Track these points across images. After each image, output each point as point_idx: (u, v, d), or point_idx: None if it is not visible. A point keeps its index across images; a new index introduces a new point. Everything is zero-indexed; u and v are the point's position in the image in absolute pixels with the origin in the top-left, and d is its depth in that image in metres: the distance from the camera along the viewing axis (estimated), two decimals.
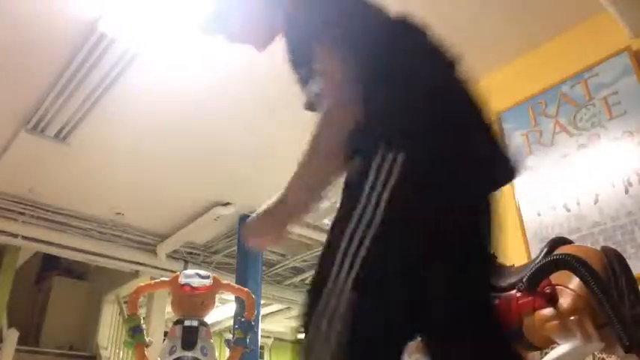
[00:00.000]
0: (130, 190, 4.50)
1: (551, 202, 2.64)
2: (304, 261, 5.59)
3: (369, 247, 0.83)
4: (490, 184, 1.12)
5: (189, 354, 1.10)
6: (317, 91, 1.01)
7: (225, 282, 1.61)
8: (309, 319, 0.87)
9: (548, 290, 1.57)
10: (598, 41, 2.73)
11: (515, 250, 2.60)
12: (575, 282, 1.51)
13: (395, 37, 1.13)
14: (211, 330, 5.65)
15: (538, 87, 2.89)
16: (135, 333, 1.16)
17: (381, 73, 1.00)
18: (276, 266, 6.10)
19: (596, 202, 2.48)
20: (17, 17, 2.79)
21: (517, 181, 2.81)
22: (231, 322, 5.42)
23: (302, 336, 0.87)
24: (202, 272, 1.21)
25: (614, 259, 1.55)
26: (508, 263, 1.88)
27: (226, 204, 4.67)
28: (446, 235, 0.92)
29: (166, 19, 2.78)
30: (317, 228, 4.98)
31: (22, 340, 5.43)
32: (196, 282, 1.18)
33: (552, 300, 1.54)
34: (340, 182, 0.97)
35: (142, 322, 1.18)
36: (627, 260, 1.59)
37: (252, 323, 1.21)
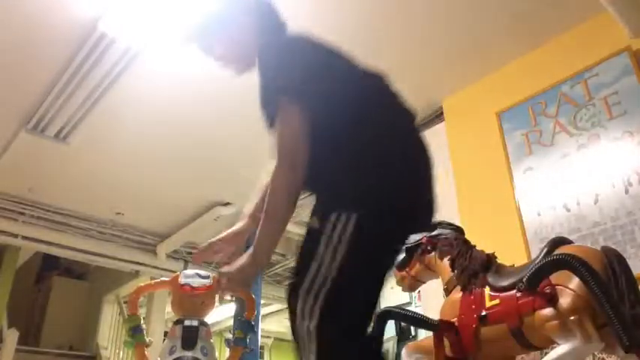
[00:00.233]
0: (130, 190, 4.50)
1: (551, 202, 2.64)
2: None
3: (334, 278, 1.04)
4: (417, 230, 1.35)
5: (189, 354, 1.10)
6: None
7: None
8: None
9: (548, 290, 1.57)
10: (598, 41, 2.73)
11: (515, 250, 2.60)
12: (575, 282, 1.51)
13: (354, 99, 1.24)
14: (212, 330, 5.63)
15: (538, 87, 2.89)
16: (135, 333, 1.16)
17: (334, 136, 1.15)
18: (276, 266, 6.10)
19: (596, 202, 2.48)
20: (17, 17, 2.79)
21: (517, 181, 2.81)
22: (231, 322, 5.42)
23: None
24: (202, 272, 1.21)
25: (614, 259, 1.55)
26: (508, 263, 1.89)
27: (226, 204, 4.67)
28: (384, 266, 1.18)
29: (167, 19, 2.78)
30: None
31: (22, 340, 5.43)
32: (196, 282, 1.18)
33: (552, 300, 1.54)
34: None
35: (142, 322, 1.18)
36: (627, 260, 1.59)
37: (252, 323, 1.20)
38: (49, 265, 7.17)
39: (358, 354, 1.04)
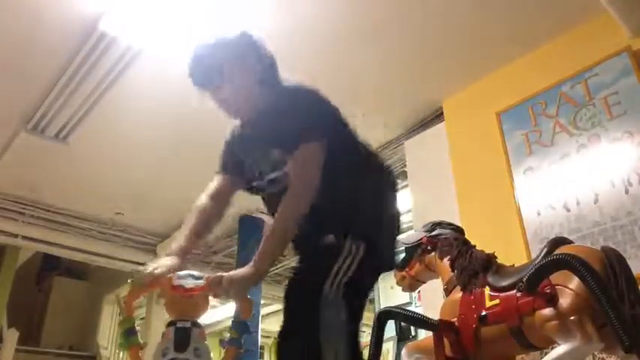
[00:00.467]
0: (130, 190, 4.50)
1: (551, 202, 2.64)
2: None
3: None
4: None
5: (182, 356, 1.10)
6: (277, 175, 1.40)
7: None
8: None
9: (548, 290, 1.57)
10: (598, 41, 2.73)
11: (515, 250, 2.60)
12: (575, 282, 1.51)
13: (357, 146, 1.51)
14: (212, 329, 5.66)
15: (538, 87, 2.89)
16: (129, 335, 1.15)
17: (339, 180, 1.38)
18: (276, 266, 6.10)
19: (596, 202, 2.48)
20: (17, 17, 2.79)
21: (517, 181, 2.81)
22: (230, 322, 5.41)
23: None
24: (196, 273, 1.20)
25: (614, 259, 1.55)
26: (508, 263, 1.89)
27: None
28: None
29: (167, 19, 2.78)
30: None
31: (22, 340, 5.43)
32: (189, 283, 1.17)
33: (552, 300, 1.54)
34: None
35: (135, 324, 1.17)
36: (627, 260, 1.59)
37: (248, 323, 1.19)
38: (49, 265, 7.17)
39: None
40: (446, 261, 1.98)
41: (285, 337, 1.23)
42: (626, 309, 1.43)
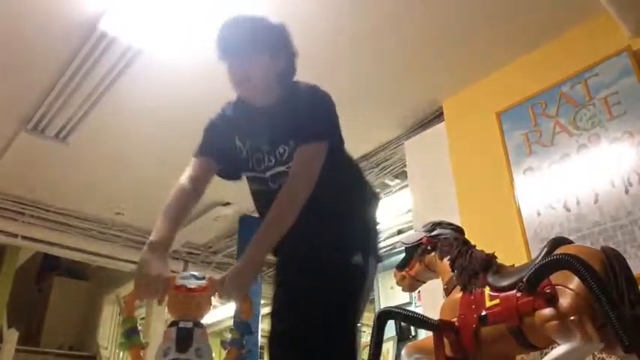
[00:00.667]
0: (130, 190, 4.50)
1: (551, 202, 2.64)
2: None
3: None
4: None
5: (183, 356, 1.09)
6: (282, 170, 1.40)
7: None
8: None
9: (548, 290, 1.57)
10: (598, 41, 2.73)
11: (515, 250, 2.60)
12: (575, 282, 1.51)
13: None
14: (213, 329, 5.65)
15: (538, 87, 2.89)
16: (130, 335, 1.14)
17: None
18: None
19: (596, 202, 2.48)
20: (17, 17, 2.79)
21: (517, 181, 2.81)
22: (231, 322, 5.42)
23: None
24: (198, 274, 1.20)
25: (614, 259, 1.55)
26: (508, 263, 1.89)
27: (226, 204, 4.67)
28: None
29: (167, 19, 2.78)
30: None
31: (22, 340, 5.43)
32: (191, 283, 1.17)
33: (552, 300, 1.55)
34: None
35: (137, 323, 1.16)
36: (627, 260, 1.59)
37: (249, 324, 1.19)
38: (49, 265, 7.17)
39: None
40: (446, 261, 1.98)
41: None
42: (626, 309, 1.43)
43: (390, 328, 4.45)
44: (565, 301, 1.52)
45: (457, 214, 2.97)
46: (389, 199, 4.44)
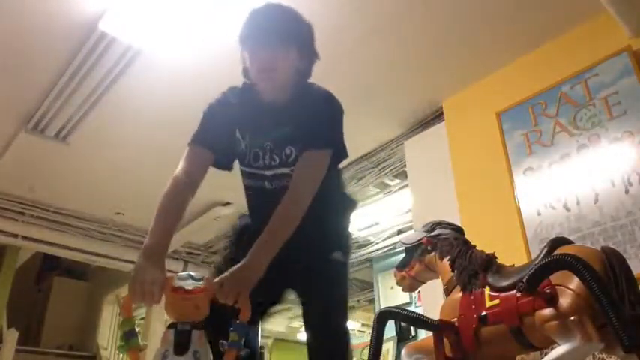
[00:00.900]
0: (130, 190, 4.50)
1: (551, 202, 2.64)
2: None
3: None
4: None
5: (181, 359, 1.08)
6: (284, 172, 1.41)
7: None
8: None
9: (548, 290, 1.57)
10: (598, 41, 2.73)
11: (515, 250, 2.60)
12: (575, 282, 1.51)
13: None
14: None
15: (538, 87, 2.89)
16: (129, 337, 1.13)
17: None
18: None
19: (596, 202, 2.48)
20: (17, 17, 2.79)
21: (517, 181, 2.81)
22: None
23: None
24: (196, 274, 1.19)
25: (614, 259, 1.55)
26: (508, 263, 1.89)
27: (226, 204, 4.67)
28: None
29: (167, 19, 2.78)
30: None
31: (22, 340, 5.43)
32: (189, 284, 1.16)
33: (552, 300, 1.54)
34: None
35: (135, 325, 1.15)
36: (627, 260, 1.58)
37: (248, 325, 1.18)
38: (49, 265, 7.17)
39: None
40: (446, 261, 1.98)
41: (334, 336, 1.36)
42: (626, 309, 1.43)
43: (390, 328, 4.46)
44: (565, 301, 1.52)
45: (457, 214, 2.97)
46: (389, 199, 4.44)
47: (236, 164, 1.55)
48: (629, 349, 1.34)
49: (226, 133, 1.47)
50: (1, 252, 5.79)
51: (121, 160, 4.06)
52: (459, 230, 2.11)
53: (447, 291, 1.95)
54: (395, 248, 4.75)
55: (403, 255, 2.23)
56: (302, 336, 1.54)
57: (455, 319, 1.82)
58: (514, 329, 1.66)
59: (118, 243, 5.13)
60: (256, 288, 1.20)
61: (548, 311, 1.55)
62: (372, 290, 5.41)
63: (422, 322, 1.85)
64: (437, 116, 3.53)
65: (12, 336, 5.16)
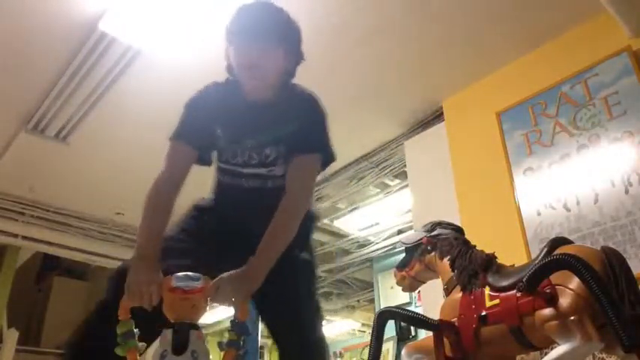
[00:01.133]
0: (130, 190, 4.49)
1: (551, 202, 2.64)
2: None
3: None
4: None
5: (179, 359, 1.08)
6: (281, 174, 1.39)
7: None
8: None
9: (548, 290, 1.57)
10: (598, 41, 2.73)
11: (515, 250, 2.60)
12: (575, 282, 1.51)
13: None
14: (213, 329, 5.62)
15: (538, 87, 2.89)
16: (126, 339, 1.13)
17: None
18: None
19: (596, 202, 2.48)
20: (17, 17, 2.79)
21: (517, 181, 2.81)
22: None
23: None
24: (193, 274, 1.18)
25: (614, 259, 1.55)
26: (508, 263, 1.89)
27: None
28: None
29: (167, 19, 2.78)
30: (317, 228, 4.97)
31: (22, 340, 5.42)
32: (187, 285, 1.16)
33: (552, 300, 1.54)
34: None
35: (133, 326, 1.15)
36: (627, 260, 1.58)
37: (247, 325, 1.17)
38: (49, 265, 7.16)
39: None
40: (446, 261, 1.98)
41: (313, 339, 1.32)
42: (626, 309, 1.43)
43: (390, 328, 4.46)
44: (565, 301, 1.52)
45: (457, 214, 2.97)
46: (389, 199, 4.44)
47: None
48: (629, 349, 1.33)
49: (207, 127, 1.45)
50: (1, 252, 5.78)
51: (121, 160, 4.06)
52: (459, 230, 2.11)
53: (447, 291, 1.95)
54: (395, 248, 4.75)
55: (403, 255, 2.23)
56: None
57: (455, 319, 1.82)
58: (514, 329, 1.66)
59: (118, 243, 5.13)
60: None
61: (548, 311, 1.55)
62: (372, 290, 5.41)
63: (422, 322, 1.85)
64: (437, 116, 3.54)
65: (12, 336, 5.16)
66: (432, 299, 2.63)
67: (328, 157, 1.43)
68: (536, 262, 1.63)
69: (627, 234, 2.33)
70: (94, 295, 6.99)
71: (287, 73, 1.44)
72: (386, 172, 4.08)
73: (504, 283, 1.73)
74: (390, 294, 4.86)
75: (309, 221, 1.52)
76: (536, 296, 1.58)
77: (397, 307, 2.48)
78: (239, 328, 1.17)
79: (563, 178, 2.64)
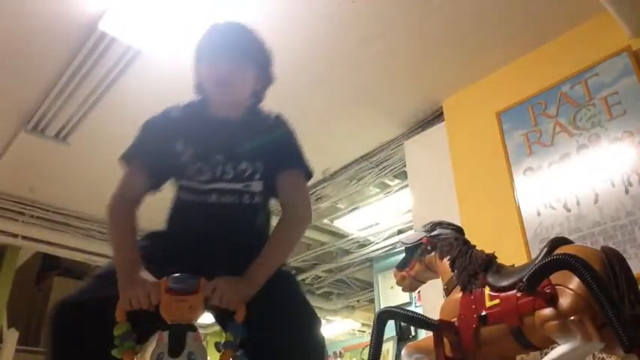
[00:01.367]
0: None
1: (551, 202, 2.64)
2: (304, 261, 5.59)
3: None
4: None
5: None
6: (257, 190, 1.37)
7: None
8: None
9: (548, 290, 1.57)
10: (598, 41, 2.73)
11: (515, 250, 2.60)
12: (575, 282, 1.51)
13: None
14: (213, 329, 5.61)
15: (538, 87, 2.89)
16: (123, 340, 1.12)
17: None
18: None
19: (596, 202, 2.48)
20: (17, 17, 2.79)
21: (517, 181, 2.81)
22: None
23: None
24: (190, 276, 1.18)
25: (614, 259, 1.55)
26: (508, 263, 1.89)
27: None
28: None
29: (167, 19, 2.78)
30: (317, 228, 4.98)
31: (22, 340, 5.42)
32: (184, 286, 1.15)
33: (552, 300, 1.55)
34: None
35: (130, 328, 1.14)
36: (627, 260, 1.59)
37: (243, 326, 1.17)
38: (49, 265, 7.16)
39: None
40: (446, 261, 1.98)
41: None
42: (626, 309, 1.43)
43: (390, 328, 4.46)
44: (565, 301, 1.52)
45: (457, 214, 2.97)
46: (389, 199, 4.45)
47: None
48: (629, 349, 1.34)
49: (164, 146, 1.41)
50: (1, 252, 5.78)
51: None
52: (459, 230, 2.11)
53: (447, 291, 1.95)
54: (395, 248, 4.75)
55: (403, 255, 2.23)
56: None
57: (455, 319, 1.82)
58: (514, 329, 1.66)
59: None
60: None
61: (548, 311, 1.55)
62: (372, 290, 5.41)
63: (422, 322, 1.85)
64: (437, 116, 3.54)
65: (12, 336, 5.16)
66: (432, 299, 2.63)
67: (309, 173, 1.44)
68: (536, 262, 1.63)
69: (627, 234, 2.33)
70: None
71: (256, 94, 1.46)
72: (386, 172, 4.08)
73: (504, 283, 1.73)
74: (390, 294, 4.86)
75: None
76: (536, 296, 1.58)
77: (397, 307, 2.48)
78: (236, 330, 1.16)
79: (563, 178, 2.64)
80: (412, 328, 4.41)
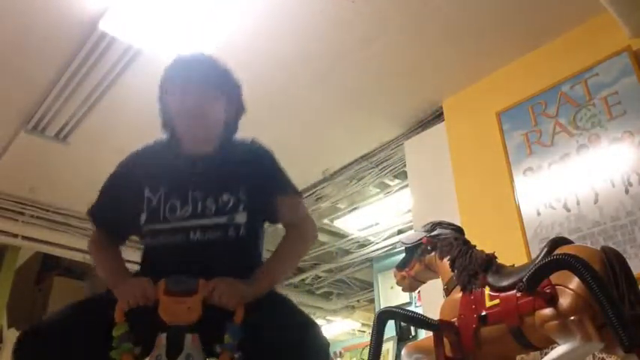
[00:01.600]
0: None
1: (551, 202, 2.64)
2: (304, 261, 5.59)
3: None
4: None
5: None
6: (242, 221, 1.30)
7: None
8: None
9: (548, 290, 1.57)
10: (598, 41, 2.73)
11: (515, 250, 2.60)
12: (575, 282, 1.51)
13: None
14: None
15: (538, 87, 2.89)
16: (122, 341, 1.12)
17: None
18: None
19: (596, 202, 2.48)
20: (17, 17, 2.78)
21: (517, 181, 2.81)
22: None
23: None
24: (188, 277, 1.18)
25: (614, 259, 1.55)
26: (508, 263, 1.89)
27: None
28: None
29: (167, 19, 2.78)
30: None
31: None
32: (182, 287, 1.15)
33: (552, 300, 1.55)
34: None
35: (128, 329, 1.14)
36: (627, 260, 1.59)
37: (242, 328, 1.16)
38: (49, 265, 7.15)
39: None
40: (446, 261, 1.98)
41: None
42: (626, 309, 1.43)
43: (390, 328, 4.46)
44: (565, 301, 1.52)
45: (457, 214, 2.97)
46: (389, 199, 4.44)
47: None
48: (629, 349, 1.34)
49: (129, 199, 1.38)
50: (1, 252, 5.78)
51: (121, 160, 4.06)
52: (459, 230, 2.11)
53: (447, 291, 1.95)
54: (395, 248, 4.75)
55: (403, 255, 2.23)
56: None
57: (455, 319, 1.82)
58: (514, 329, 1.66)
59: None
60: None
61: (548, 311, 1.55)
62: (372, 290, 5.41)
63: (422, 322, 1.85)
64: (437, 116, 3.54)
65: (12, 336, 5.16)
66: (432, 299, 2.63)
67: (300, 193, 1.49)
68: (536, 262, 1.63)
69: (627, 234, 2.33)
70: None
71: (228, 126, 1.42)
72: (386, 172, 4.08)
73: (504, 283, 1.73)
74: (390, 294, 4.86)
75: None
76: (536, 296, 1.58)
77: (397, 307, 2.48)
78: (235, 331, 1.16)
79: (563, 178, 2.64)
80: (412, 328, 4.40)
